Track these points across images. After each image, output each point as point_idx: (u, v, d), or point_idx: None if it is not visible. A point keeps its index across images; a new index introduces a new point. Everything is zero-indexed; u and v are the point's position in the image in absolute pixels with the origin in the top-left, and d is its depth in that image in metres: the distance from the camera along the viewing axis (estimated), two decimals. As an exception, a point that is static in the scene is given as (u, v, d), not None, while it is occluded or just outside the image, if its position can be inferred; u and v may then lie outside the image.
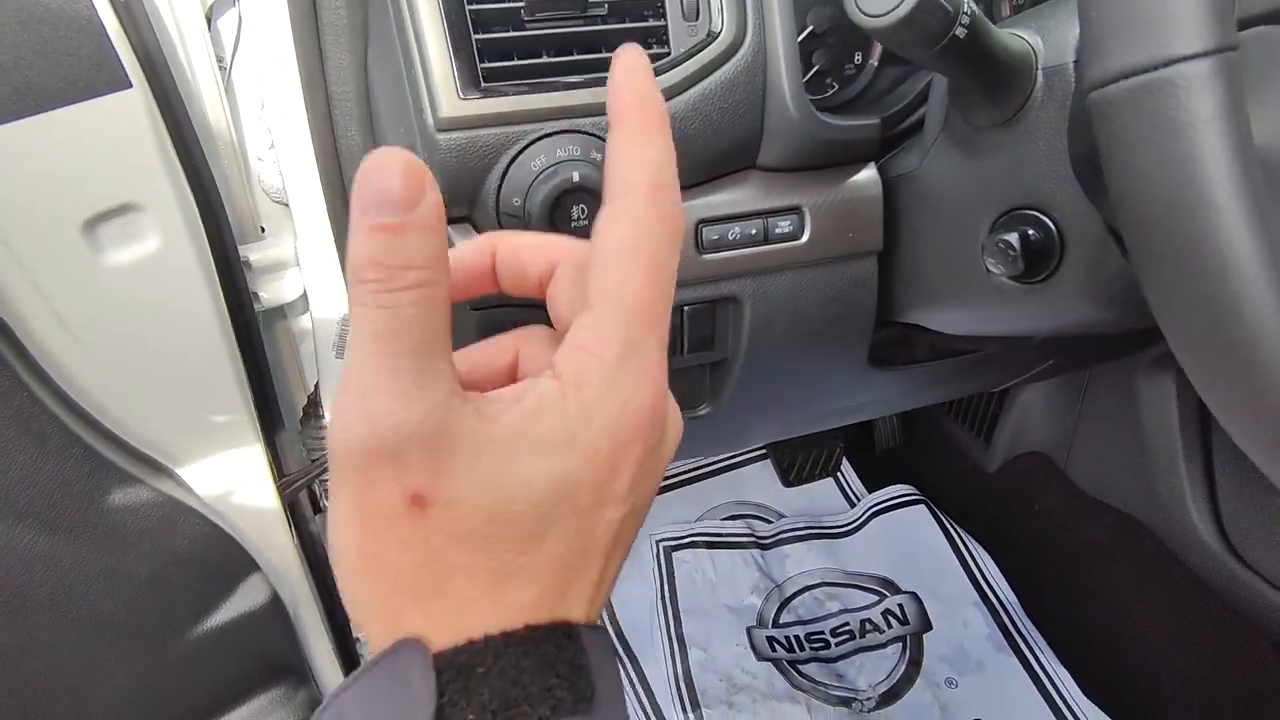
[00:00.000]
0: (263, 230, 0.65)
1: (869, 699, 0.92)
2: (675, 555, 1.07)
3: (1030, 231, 0.38)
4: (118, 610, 0.47)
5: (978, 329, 0.49)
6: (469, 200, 0.39)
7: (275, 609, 0.59)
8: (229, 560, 0.55)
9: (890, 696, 0.93)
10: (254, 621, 0.57)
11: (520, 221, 0.39)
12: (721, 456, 1.20)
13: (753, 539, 1.10)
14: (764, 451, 1.20)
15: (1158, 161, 0.22)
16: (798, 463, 1.17)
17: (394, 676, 0.20)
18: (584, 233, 0.39)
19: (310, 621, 0.64)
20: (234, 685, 0.57)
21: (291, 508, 0.66)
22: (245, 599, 0.57)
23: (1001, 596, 1.01)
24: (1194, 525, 0.79)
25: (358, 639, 0.84)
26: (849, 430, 1.21)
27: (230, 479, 0.58)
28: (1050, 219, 0.37)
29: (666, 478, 1.18)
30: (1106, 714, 0.88)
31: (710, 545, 1.08)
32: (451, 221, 0.40)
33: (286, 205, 0.65)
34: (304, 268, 0.64)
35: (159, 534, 0.50)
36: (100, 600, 0.46)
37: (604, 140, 0.39)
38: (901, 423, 1.19)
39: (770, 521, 1.13)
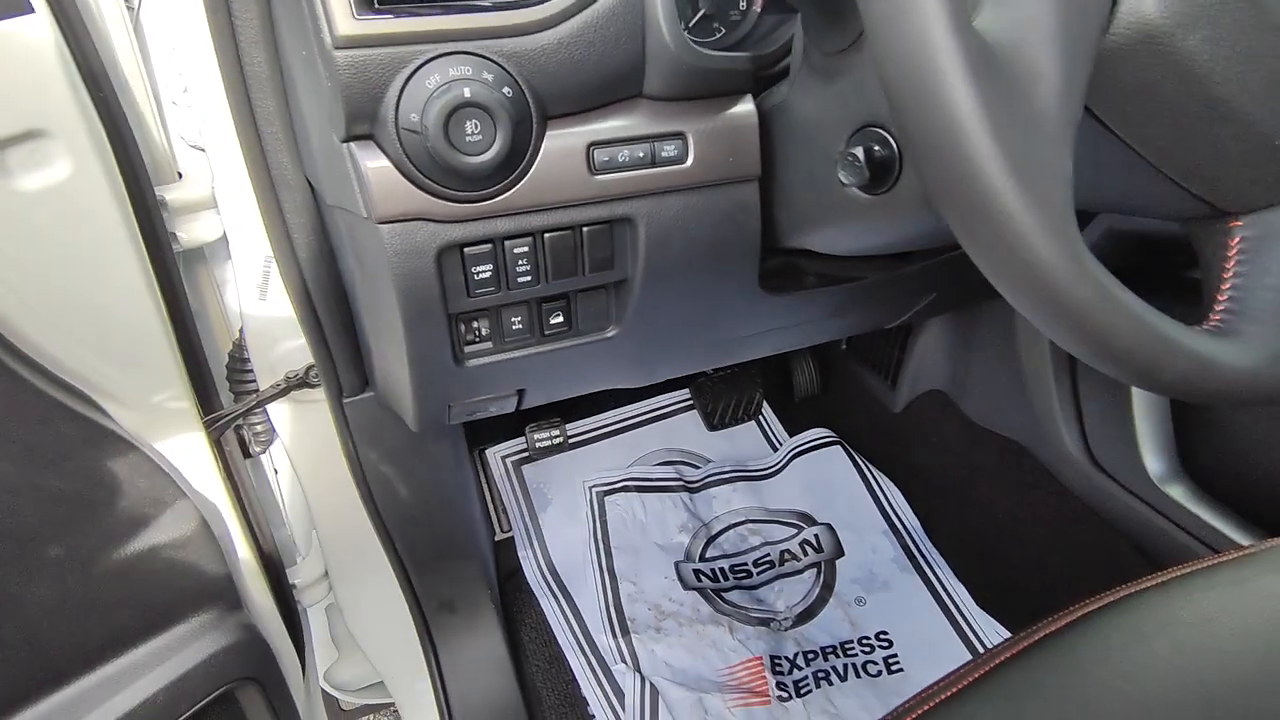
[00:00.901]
0: (179, 175, 0.66)
1: (786, 619, 0.99)
2: (608, 499, 1.12)
3: (875, 146, 0.44)
4: (42, 524, 0.49)
5: (846, 245, 0.55)
6: (369, 118, 0.42)
7: (204, 537, 0.61)
8: (155, 487, 0.58)
9: (805, 616, 1.00)
10: (184, 547, 0.59)
11: (419, 137, 0.42)
12: (651, 406, 1.25)
13: (681, 483, 1.16)
14: (690, 402, 1.26)
15: (897, 36, 0.27)
16: (720, 408, 1.23)
17: None
18: (478, 148, 0.43)
19: (240, 551, 0.66)
20: (167, 606, 0.59)
21: (219, 446, 0.68)
22: (175, 527, 0.59)
23: (906, 523, 1.09)
24: (1064, 443, 0.88)
25: (294, 585, 0.86)
26: (770, 379, 1.28)
27: (155, 411, 0.60)
28: (889, 134, 0.43)
29: (599, 427, 1.23)
30: (997, 620, 0.97)
31: (641, 489, 1.14)
32: (355, 139, 0.43)
33: (203, 150, 0.66)
34: (222, 208, 0.66)
35: (83, 456, 0.51)
36: (24, 513, 0.48)
37: (493, 62, 0.43)
38: (818, 372, 1.27)
39: (698, 467, 1.19)
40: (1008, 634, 0.96)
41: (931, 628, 0.98)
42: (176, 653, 0.60)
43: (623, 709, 0.89)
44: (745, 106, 0.51)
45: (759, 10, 0.58)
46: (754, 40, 0.58)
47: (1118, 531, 0.84)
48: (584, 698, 0.92)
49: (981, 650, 0.95)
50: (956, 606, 1.00)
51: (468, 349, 0.56)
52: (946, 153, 0.27)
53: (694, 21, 0.57)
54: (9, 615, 0.50)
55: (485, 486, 1.14)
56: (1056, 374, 0.87)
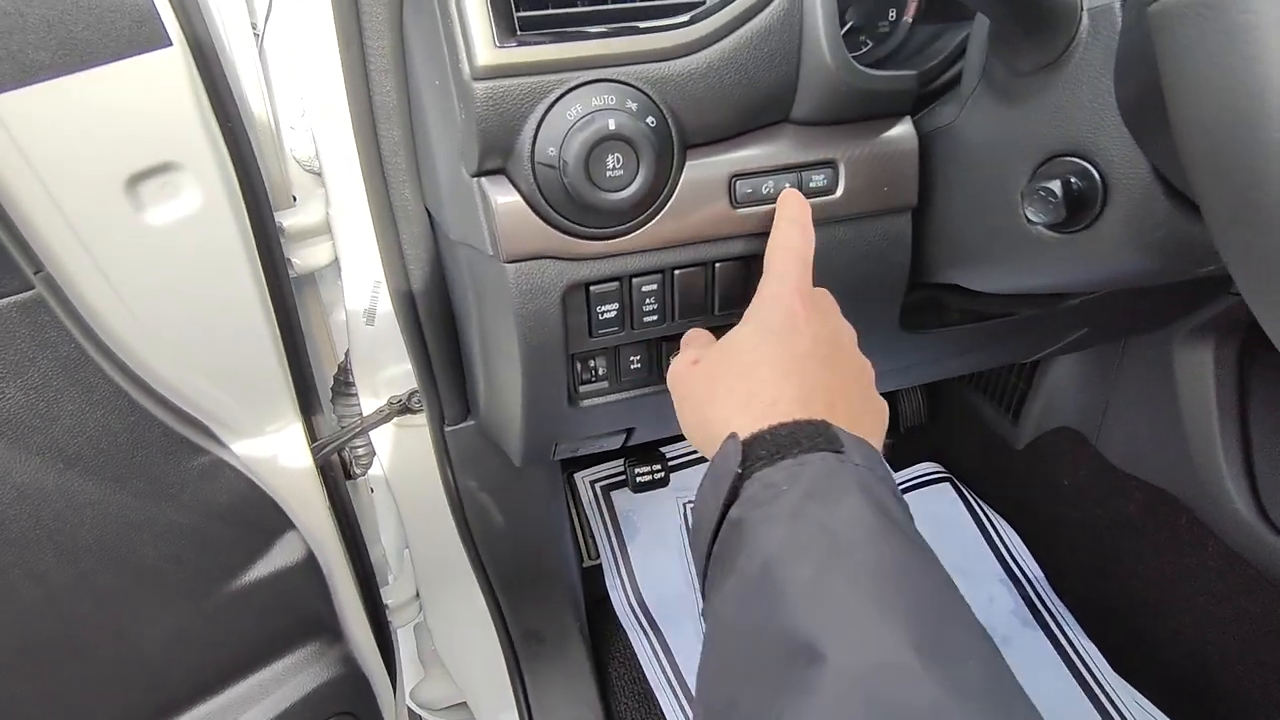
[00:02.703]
0: (294, 199, 0.65)
1: (894, 672, 0.92)
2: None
3: (1072, 178, 0.37)
4: (161, 558, 0.48)
5: (1015, 285, 0.48)
6: (504, 152, 0.39)
7: (310, 567, 0.60)
8: (266, 518, 0.57)
9: (915, 670, 0.92)
10: (290, 578, 0.58)
11: (556, 172, 0.39)
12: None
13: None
14: (788, 428, 1.20)
15: (1221, 69, 0.21)
16: (822, 438, 1.16)
17: (722, 453, 0.35)
18: (619, 183, 0.40)
19: (342, 581, 0.65)
20: (271, 639, 0.58)
21: (323, 471, 0.68)
22: (282, 556, 0.58)
23: (1028, 572, 1.00)
24: (1230, 499, 0.77)
25: (386, 606, 0.85)
26: (873, 407, 1.20)
27: (266, 440, 0.59)
28: (1093, 165, 0.37)
29: (696, 451, 1.18)
30: (1138, 690, 0.87)
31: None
32: (486, 173, 0.40)
33: (318, 174, 0.65)
34: (336, 234, 0.65)
35: (200, 488, 0.51)
36: (144, 547, 0.47)
37: (639, 90, 0.39)
38: (926, 400, 1.18)
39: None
40: (1148, 703, 0.86)
41: (1059, 692, 0.89)
42: (281, 685, 0.59)
43: (718, 759, 0.84)
44: (903, 129, 0.46)
45: (910, 21, 0.53)
46: (905, 54, 0.52)
47: (1300, 607, 0.73)
48: (676, 742, 0.87)
49: (1119, 722, 0.85)
50: (1089, 670, 0.90)
51: (583, 389, 0.52)
52: (1269, 205, 0.21)
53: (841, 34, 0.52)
54: (127, 647, 0.49)
55: (573, 511, 1.12)
56: (1222, 416, 0.77)
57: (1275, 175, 0.21)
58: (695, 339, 0.45)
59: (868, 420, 0.39)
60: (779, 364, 0.37)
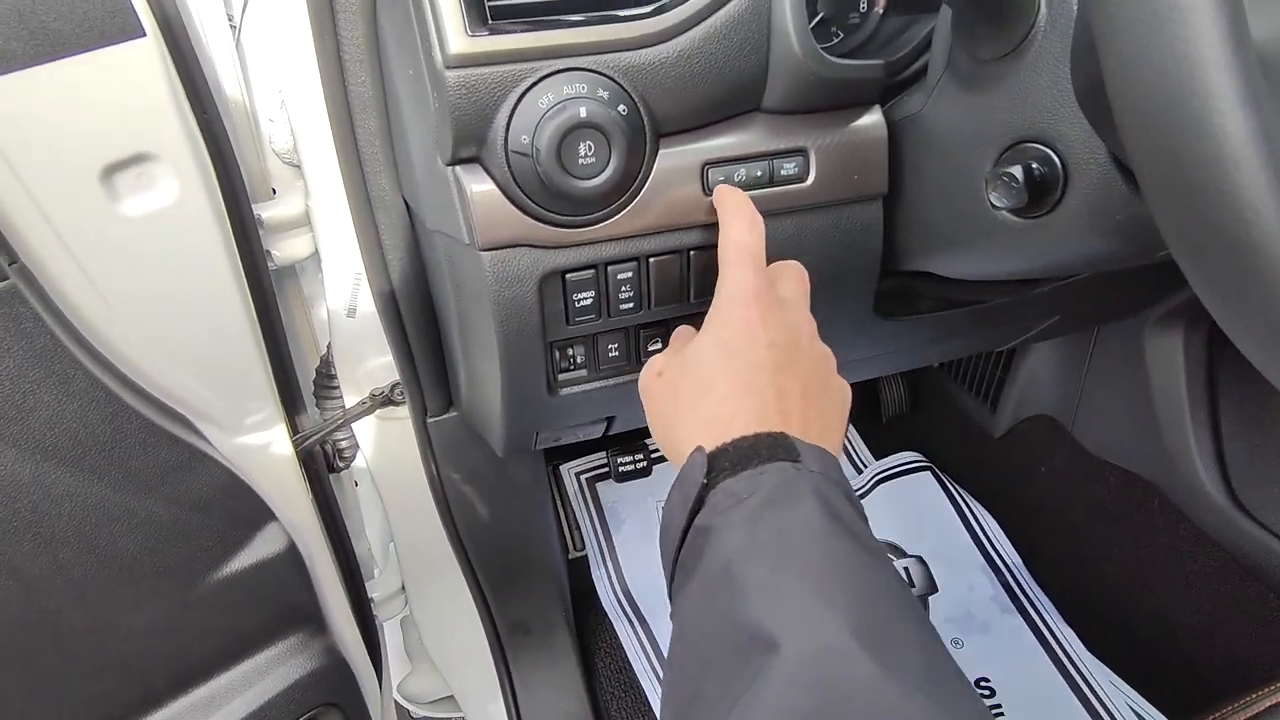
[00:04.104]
0: (274, 192, 0.66)
1: (875, 658, 0.93)
2: (683, 521, 1.08)
3: (1034, 164, 0.38)
4: (141, 550, 0.49)
5: (984, 271, 0.49)
6: (478, 140, 0.40)
7: (292, 558, 0.60)
8: (247, 509, 0.57)
9: (896, 656, 0.94)
10: (272, 569, 0.58)
11: (529, 160, 0.39)
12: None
13: (760, 505, 1.10)
14: (771, 419, 1.21)
15: (1152, 46, 0.22)
16: (804, 429, 1.18)
17: (689, 465, 0.36)
18: (591, 170, 0.40)
19: (325, 572, 0.65)
20: (254, 630, 0.58)
21: (305, 464, 0.68)
22: (263, 547, 0.58)
23: (1006, 559, 1.02)
24: (1201, 482, 0.79)
25: (372, 599, 0.86)
26: (855, 398, 1.21)
27: (247, 432, 0.59)
28: (1054, 151, 0.38)
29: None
30: (1112, 670, 0.89)
31: (718, 511, 1.09)
32: (461, 162, 0.41)
33: (297, 167, 0.66)
34: (316, 226, 0.65)
35: (179, 479, 0.51)
36: (124, 539, 0.48)
37: (609, 78, 0.40)
38: (908, 390, 1.19)
39: (777, 488, 1.14)
40: (1122, 683, 0.88)
41: (1037, 675, 0.90)
42: (264, 677, 0.59)
43: (703, 746, 0.85)
44: (873, 118, 0.47)
45: (880, 12, 0.54)
46: (875, 45, 0.53)
47: (1265, 584, 0.75)
48: (661, 730, 0.88)
49: (1094, 701, 0.87)
50: (1065, 652, 0.92)
51: (561, 377, 0.53)
52: (1206, 192, 0.22)
53: (811, 26, 0.53)
54: (107, 639, 0.50)
55: (559, 503, 1.12)
56: (1192, 401, 0.78)
57: (1208, 155, 0.22)
58: (676, 336, 0.46)
59: (828, 413, 0.41)
60: (735, 378, 0.38)
